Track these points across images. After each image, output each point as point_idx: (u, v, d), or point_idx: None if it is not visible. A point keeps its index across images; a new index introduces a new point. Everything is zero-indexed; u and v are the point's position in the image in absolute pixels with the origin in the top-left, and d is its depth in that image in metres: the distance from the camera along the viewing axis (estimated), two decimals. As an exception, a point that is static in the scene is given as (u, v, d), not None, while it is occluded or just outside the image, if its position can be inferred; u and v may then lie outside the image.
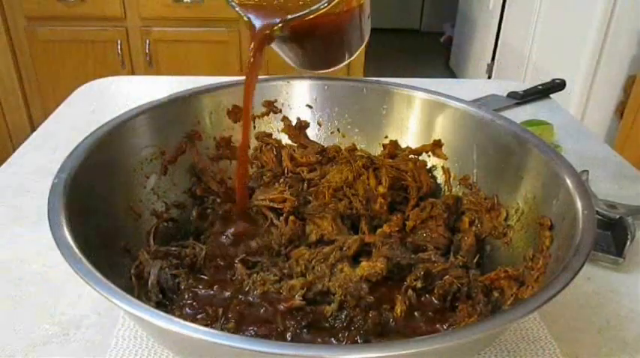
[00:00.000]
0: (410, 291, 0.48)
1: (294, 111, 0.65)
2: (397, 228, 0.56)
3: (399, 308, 0.47)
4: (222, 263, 0.52)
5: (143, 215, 0.54)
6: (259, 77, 0.55)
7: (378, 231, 0.56)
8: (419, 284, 0.49)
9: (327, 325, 0.45)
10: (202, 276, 0.51)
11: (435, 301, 0.48)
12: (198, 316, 0.46)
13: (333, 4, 0.48)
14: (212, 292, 0.49)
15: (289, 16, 0.49)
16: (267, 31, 0.50)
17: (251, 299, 0.47)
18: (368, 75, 2.15)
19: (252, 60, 0.51)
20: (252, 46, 0.50)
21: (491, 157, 0.57)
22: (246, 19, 0.51)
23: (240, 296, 0.48)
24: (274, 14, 0.50)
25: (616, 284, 0.56)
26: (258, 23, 0.50)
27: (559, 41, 1.89)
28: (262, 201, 0.58)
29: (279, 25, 0.50)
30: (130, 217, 0.52)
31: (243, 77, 0.54)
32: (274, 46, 0.54)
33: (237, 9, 0.51)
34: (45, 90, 2.05)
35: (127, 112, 0.54)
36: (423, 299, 0.49)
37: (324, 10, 0.48)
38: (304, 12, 0.49)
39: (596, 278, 0.56)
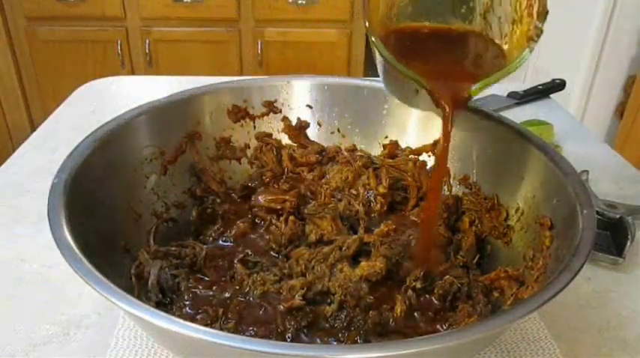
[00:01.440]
0: (410, 291, 0.48)
1: (294, 112, 0.65)
2: (395, 227, 0.56)
3: (399, 308, 0.47)
4: (222, 263, 0.52)
5: (143, 215, 0.54)
6: (259, 77, 0.55)
7: (377, 230, 0.56)
8: (419, 285, 0.49)
9: (327, 325, 0.45)
10: (202, 276, 0.51)
11: (435, 301, 0.48)
12: (198, 316, 0.46)
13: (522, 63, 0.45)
14: (212, 292, 0.49)
15: (486, 80, 0.45)
16: (465, 96, 0.46)
17: (251, 299, 0.47)
18: (368, 75, 2.15)
19: (449, 128, 0.47)
20: (447, 114, 0.46)
21: (491, 157, 0.57)
22: (432, 90, 0.46)
23: (240, 297, 0.48)
24: (463, 79, 0.47)
25: (616, 284, 0.56)
26: (453, 92, 0.46)
27: (559, 41, 1.89)
28: (262, 202, 0.58)
29: (478, 87, 0.45)
30: (130, 217, 0.52)
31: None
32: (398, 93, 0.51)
33: (421, 82, 0.46)
34: (45, 90, 2.05)
35: (127, 112, 0.54)
36: (423, 299, 0.49)
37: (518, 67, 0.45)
38: (503, 71, 0.45)
39: (596, 278, 0.56)
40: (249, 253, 0.53)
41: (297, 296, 0.46)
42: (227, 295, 0.48)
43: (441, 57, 0.50)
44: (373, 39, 0.45)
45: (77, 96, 0.97)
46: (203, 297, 0.48)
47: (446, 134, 0.47)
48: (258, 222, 0.58)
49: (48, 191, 0.42)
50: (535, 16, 0.44)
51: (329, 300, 0.47)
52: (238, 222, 0.57)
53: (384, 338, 0.44)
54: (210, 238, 0.56)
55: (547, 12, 0.44)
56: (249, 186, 0.62)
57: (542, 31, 0.44)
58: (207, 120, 0.61)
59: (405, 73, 0.45)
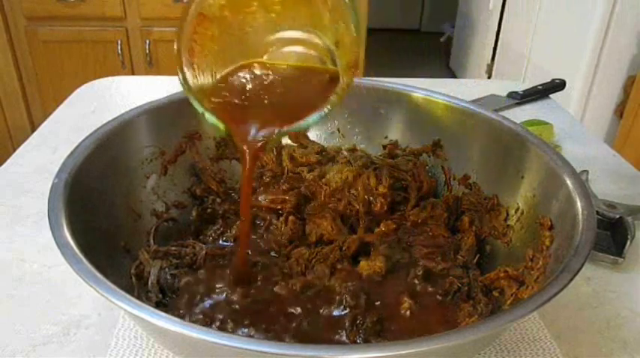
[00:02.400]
0: (410, 291, 0.48)
1: (294, 112, 0.65)
2: (395, 227, 0.56)
3: (399, 308, 0.47)
4: (222, 263, 0.52)
5: (143, 215, 0.54)
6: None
7: (376, 230, 0.56)
8: (419, 284, 0.49)
9: (327, 325, 0.45)
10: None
11: (435, 301, 0.48)
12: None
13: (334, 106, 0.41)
14: (212, 292, 0.49)
15: (288, 128, 0.42)
16: (263, 144, 0.43)
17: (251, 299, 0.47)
18: (368, 75, 2.15)
19: (247, 174, 0.45)
20: (247, 162, 0.43)
21: (491, 157, 0.57)
22: (224, 129, 0.43)
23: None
24: (269, 123, 0.43)
25: (616, 284, 0.56)
26: (253, 135, 0.43)
27: (559, 41, 1.89)
28: (262, 202, 0.58)
29: (280, 134, 0.43)
30: (130, 217, 0.52)
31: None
32: None
33: (210, 118, 0.44)
34: (45, 90, 2.05)
35: (127, 112, 0.54)
36: (423, 298, 0.49)
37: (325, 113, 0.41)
38: (308, 121, 0.42)
39: (596, 278, 0.56)
40: (249, 253, 0.53)
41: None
42: (227, 295, 0.48)
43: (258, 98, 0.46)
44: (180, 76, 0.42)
45: (77, 96, 0.97)
46: (203, 297, 0.48)
47: (246, 175, 0.45)
48: (258, 222, 0.58)
49: (48, 191, 0.42)
50: (343, 66, 0.40)
51: (329, 300, 0.47)
52: (238, 222, 0.57)
53: (384, 338, 0.44)
54: (210, 238, 0.56)
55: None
56: (249, 186, 0.62)
57: (342, 96, 0.40)
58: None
59: (209, 120, 0.44)
